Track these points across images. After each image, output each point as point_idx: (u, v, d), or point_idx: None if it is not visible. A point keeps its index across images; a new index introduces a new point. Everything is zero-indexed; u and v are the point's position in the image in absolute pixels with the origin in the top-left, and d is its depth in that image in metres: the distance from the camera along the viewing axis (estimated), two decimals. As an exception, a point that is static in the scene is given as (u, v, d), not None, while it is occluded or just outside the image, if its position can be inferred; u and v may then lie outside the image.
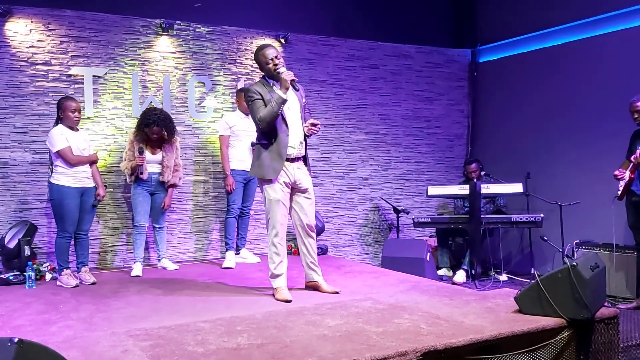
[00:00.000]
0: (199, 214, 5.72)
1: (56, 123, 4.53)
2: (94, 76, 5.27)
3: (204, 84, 5.72)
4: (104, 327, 3.21)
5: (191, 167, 5.67)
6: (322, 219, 6.00)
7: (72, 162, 4.44)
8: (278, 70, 3.79)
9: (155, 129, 4.89)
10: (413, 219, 5.79)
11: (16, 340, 1.76)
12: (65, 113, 4.45)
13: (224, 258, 5.27)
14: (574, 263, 3.05)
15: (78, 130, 4.61)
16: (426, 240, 6.23)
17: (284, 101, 3.71)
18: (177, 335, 2.96)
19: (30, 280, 4.41)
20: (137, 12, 5.45)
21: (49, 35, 5.12)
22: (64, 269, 4.49)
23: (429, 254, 5.49)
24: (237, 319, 3.25)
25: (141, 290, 4.21)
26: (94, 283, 4.50)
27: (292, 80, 3.76)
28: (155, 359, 2.60)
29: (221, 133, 5.33)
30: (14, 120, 5.01)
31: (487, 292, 3.91)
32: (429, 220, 5.81)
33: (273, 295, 3.84)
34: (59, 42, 5.16)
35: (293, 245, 5.58)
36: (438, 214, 6.75)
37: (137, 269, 4.87)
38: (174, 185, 5.12)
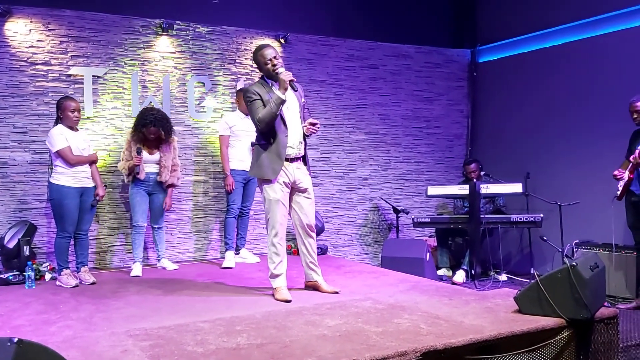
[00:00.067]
0: (198, 213, 5.72)
1: (56, 123, 4.53)
2: (93, 76, 5.27)
3: (204, 84, 5.72)
4: (103, 327, 3.21)
5: (191, 167, 5.67)
6: (321, 219, 6.00)
7: (71, 162, 4.44)
8: (277, 71, 3.78)
9: (152, 129, 4.88)
10: (413, 219, 5.79)
11: (16, 340, 1.76)
12: (65, 113, 4.45)
13: (224, 258, 5.27)
14: (574, 263, 3.05)
15: (78, 130, 4.61)
16: (426, 240, 6.23)
17: (283, 102, 3.71)
18: (177, 335, 2.96)
19: (30, 280, 4.40)
20: (137, 12, 5.45)
21: (48, 35, 5.12)
22: (64, 269, 4.48)
23: (428, 254, 5.49)
24: (237, 319, 3.25)
25: (141, 290, 4.21)
26: (93, 283, 4.50)
27: (290, 81, 3.75)
28: (155, 359, 2.60)
29: (221, 133, 5.33)
30: (14, 120, 5.01)
31: (487, 292, 3.91)
32: (429, 220, 5.81)
33: (273, 295, 3.84)
34: (59, 42, 5.16)
35: (293, 245, 5.58)
36: (438, 214, 6.75)
37: (137, 269, 4.87)
38: (172, 185, 5.12)
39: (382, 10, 6.75)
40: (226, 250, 5.29)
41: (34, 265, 4.57)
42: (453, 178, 6.98)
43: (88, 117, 5.22)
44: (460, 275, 5.66)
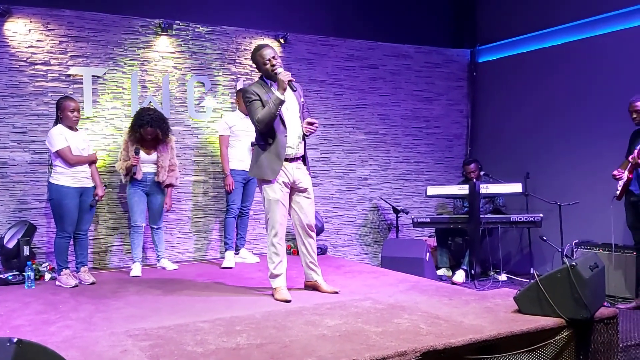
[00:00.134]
0: (198, 213, 5.72)
1: (55, 123, 4.53)
2: (93, 76, 5.26)
3: (203, 84, 5.72)
4: (103, 327, 3.21)
5: (190, 167, 5.67)
6: (321, 218, 6.00)
7: (71, 162, 4.43)
8: (275, 71, 3.78)
9: (149, 129, 4.88)
10: (412, 218, 5.79)
11: (15, 340, 1.75)
12: (65, 113, 4.45)
13: (224, 258, 5.27)
14: (573, 263, 3.05)
15: (77, 130, 4.61)
16: (425, 240, 6.23)
17: (282, 102, 3.71)
18: (177, 335, 2.96)
19: (30, 280, 4.40)
20: (137, 12, 5.45)
21: (48, 35, 5.12)
22: (63, 269, 4.48)
23: (428, 254, 5.50)
24: (237, 319, 3.25)
25: (140, 290, 4.21)
26: (93, 283, 4.50)
27: (289, 81, 3.75)
28: (155, 359, 2.60)
29: (221, 133, 5.33)
30: (13, 120, 5.01)
31: (487, 292, 3.91)
32: (429, 220, 5.81)
33: (272, 295, 3.84)
34: (58, 42, 5.15)
35: (292, 245, 5.58)
36: (437, 214, 6.75)
37: (136, 269, 4.87)
38: (171, 185, 5.12)
39: (382, 10, 6.75)
40: (226, 250, 5.29)
41: (34, 265, 4.57)
42: (453, 178, 6.98)
43: (87, 117, 5.22)
44: (460, 275, 5.66)
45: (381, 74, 6.63)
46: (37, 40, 5.08)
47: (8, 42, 4.98)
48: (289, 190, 3.88)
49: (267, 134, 3.79)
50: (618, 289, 4.98)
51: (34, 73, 5.07)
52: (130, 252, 5.18)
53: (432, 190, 5.88)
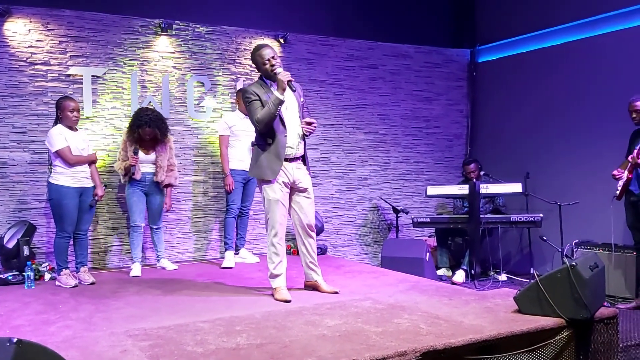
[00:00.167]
0: (198, 213, 5.72)
1: (55, 123, 4.53)
2: (92, 76, 5.26)
3: (203, 83, 5.72)
4: (103, 327, 3.20)
5: (190, 167, 5.67)
6: (321, 218, 6.00)
7: (71, 162, 4.43)
8: (275, 71, 3.78)
9: (147, 129, 4.87)
10: (412, 218, 5.79)
11: (15, 340, 1.75)
12: (64, 113, 4.45)
13: (223, 258, 5.27)
14: (573, 263, 3.05)
15: (77, 130, 4.61)
16: (425, 240, 6.23)
17: (281, 102, 3.71)
18: (176, 335, 2.96)
19: (29, 280, 4.40)
20: (136, 12, 5.45)
21: (47, 35, 5.12)
22: (63, 269, 4.48)
23: (428, 254, 5.49)
24: (237, 319, 3.25)
25: (140, 290, 4.21)
26: (93, 283, 4.50)
27: (289, 81, 3.75)
28: (154, 359, 2.60)
29: (220, 133, 5.33)
30: (13, 120, 5.01)
31: (487, 292, 3.91)
32: (428, 220, 5.81)
33: (272, 295, 3.84)
34: (58, 42, 5.15)
35: (292, 245, 5.58)
36: (437, 214, 6.75)
37: (136, 269, 4.87)
38: (170, 185, 5.12)
39: (382, 10, 6.75)
40: (226, 250, 5.28)
41: (34, 266, 4.57)
42: (453, 178, 6.98)
43: (87, 117, 5.22)
44: (459, 275, 5.66)
45: (381, 74, 6.63)
46: (37, 40, 5.08)
47: (8, 42, 4.98)
48: (288, 190, 3.88)
49: (266, 134, 3.79)
50: (618, 289, 4.98)
51: (34, 73, 5.07)
52: (129, 252, 5.18)
53: (432, 190, 5.88)
